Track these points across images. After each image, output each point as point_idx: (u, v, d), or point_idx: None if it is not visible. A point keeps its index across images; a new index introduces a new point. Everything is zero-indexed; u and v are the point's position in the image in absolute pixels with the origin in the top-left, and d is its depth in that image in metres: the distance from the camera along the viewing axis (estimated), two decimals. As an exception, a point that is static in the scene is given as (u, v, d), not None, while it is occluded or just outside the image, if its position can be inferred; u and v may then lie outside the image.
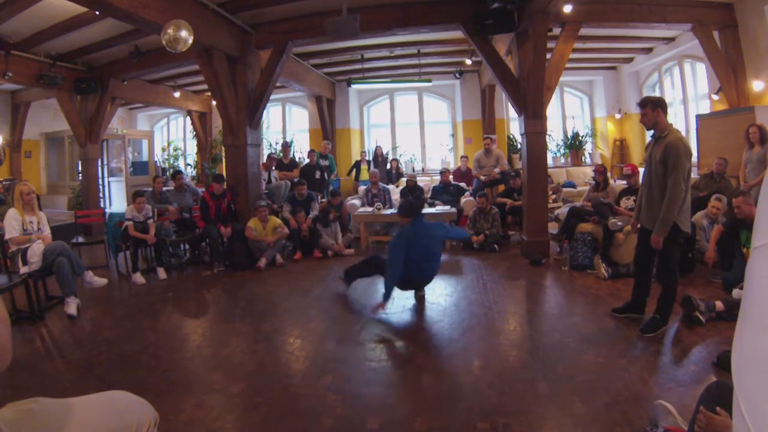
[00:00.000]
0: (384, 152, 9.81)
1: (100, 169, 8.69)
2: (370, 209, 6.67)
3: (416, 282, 3.97)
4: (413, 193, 6.91)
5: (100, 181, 8.91)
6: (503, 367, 2.76)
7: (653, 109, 3.05)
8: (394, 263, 3.66)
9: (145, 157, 11.38)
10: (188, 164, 12.12)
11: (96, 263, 5.65)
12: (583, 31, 5.73)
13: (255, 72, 6.03)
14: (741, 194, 3.99)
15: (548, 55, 5.30)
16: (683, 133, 3.18)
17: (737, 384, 0.60)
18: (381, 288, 4.02)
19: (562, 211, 5.67)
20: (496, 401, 2.34)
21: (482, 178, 7.36)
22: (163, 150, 12.16)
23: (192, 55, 5.50)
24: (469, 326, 3.42)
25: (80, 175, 8.53)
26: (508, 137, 10.47)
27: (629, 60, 9.45)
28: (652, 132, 3.16)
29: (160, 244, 5.28)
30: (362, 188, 7.81)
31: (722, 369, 2.50)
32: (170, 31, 4.09)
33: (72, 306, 3.86)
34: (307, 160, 8.01)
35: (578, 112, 11.04)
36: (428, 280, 4.03)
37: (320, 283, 4.76)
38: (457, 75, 9.86)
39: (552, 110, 9.56)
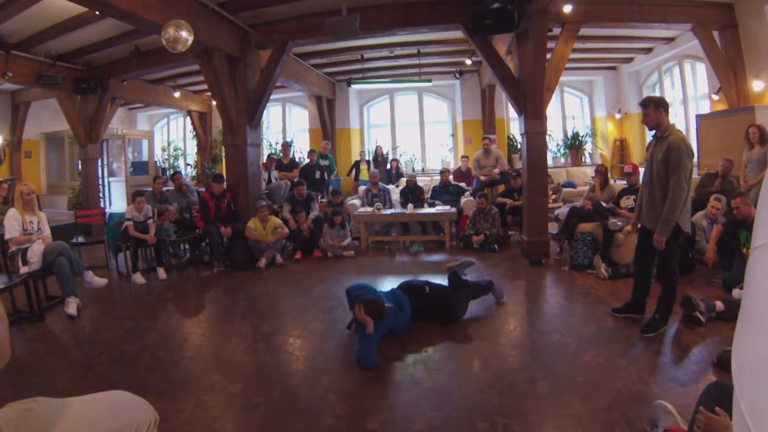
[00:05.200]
0: (384, 152, 9.80)
1: (100, 169, 8.70)
2: (370, 209, 6.67)
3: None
4: (413, 193, 6.91)
5: (100, 181, 8.91)
6: (503, 367, 2.76)
7: (656, 109, 3.05)
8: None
9: (145, 157, 11.38)
10: (188, 164, 12.12)
11: (96, 263, 5.64)
12: (583, 31, 5.73)
13: (255, 72, 6.03)
14: (739, 195, 3.99)
15: (548, 55, 5.30)
16: (683, 133, 3.18)
17: (737, 384, 0.60)
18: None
19: (562, 211, 5.67)
20: (496, 401, 2.35)
21: (482, 178, 7.36)
22: (163, 150, 12.15)
23: (192, 55, 5.49)
24: (469, 326, 3.42)
25: (80, 175, 8.52)
26: (508, 137, 10.47)
27: (629, 60, 9.44)
28: (653, 132, 3.17)
29: (160, 244, 5.29)
30: (362, 188, 7.82)
31: (722, 369, 2.50)
32: (170, 31, 4.08)
33: (72, 306, 3.86)
34: (307, 160, 8.01)
35: (578, 112, 11.04)
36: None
37: (320, 283, 4.76)
38: (457, 75, 9.85)
39: (552, 110, 9.56)
